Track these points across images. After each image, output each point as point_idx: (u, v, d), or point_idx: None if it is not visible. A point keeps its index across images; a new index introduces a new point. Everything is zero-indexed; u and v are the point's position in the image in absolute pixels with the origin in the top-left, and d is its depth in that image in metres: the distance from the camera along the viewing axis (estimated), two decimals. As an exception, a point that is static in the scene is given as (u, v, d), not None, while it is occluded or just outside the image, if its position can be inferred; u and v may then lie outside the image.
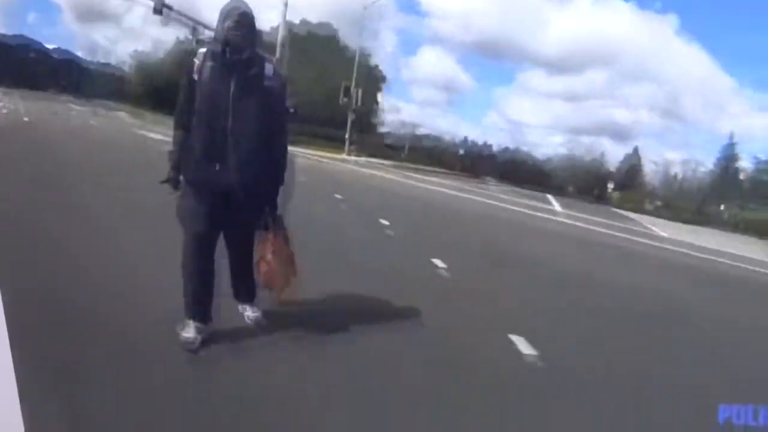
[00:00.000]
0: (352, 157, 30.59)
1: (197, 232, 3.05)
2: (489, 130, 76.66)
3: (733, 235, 22.66)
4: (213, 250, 3.14)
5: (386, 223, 8.34)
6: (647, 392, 3.35)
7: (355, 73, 33.45)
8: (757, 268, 11.16)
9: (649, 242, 13.05)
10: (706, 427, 2.90)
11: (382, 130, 51.55)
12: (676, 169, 46.32)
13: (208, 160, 2.98)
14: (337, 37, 49.23)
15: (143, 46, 59.18)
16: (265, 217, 3.19)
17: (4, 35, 55.61)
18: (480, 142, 53.12)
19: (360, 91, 32.60)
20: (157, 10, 23.82)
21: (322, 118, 37.96)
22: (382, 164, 29.73)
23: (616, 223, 16.99)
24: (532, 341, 3.69)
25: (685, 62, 56.39)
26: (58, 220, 5.31)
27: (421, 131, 51.24)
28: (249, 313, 3.37)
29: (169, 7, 27.00)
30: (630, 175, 47.31)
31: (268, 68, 3.08)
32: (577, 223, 14.90)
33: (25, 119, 16.66)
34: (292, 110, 32.63)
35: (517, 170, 43.61)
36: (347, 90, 32.05)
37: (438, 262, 5.91)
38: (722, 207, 36.77)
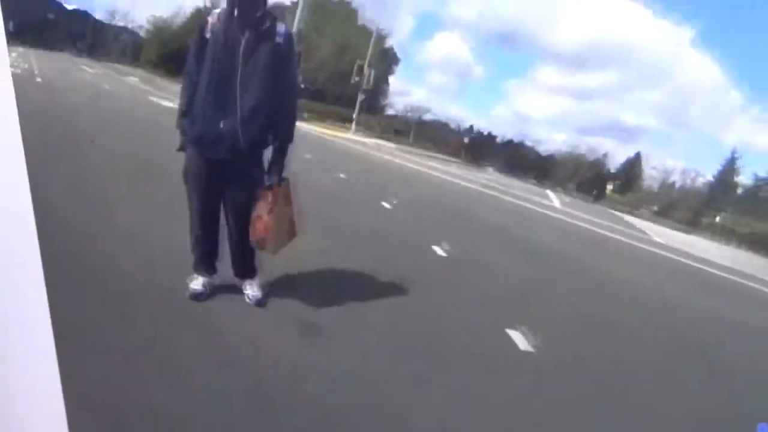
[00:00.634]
0: (359, 137, 30.81)
1: (201, 193, 3.14)
2: (495, 121, 76.39)
3: (724, 246, 23.31)
4: (218, 210, 3.21)
5: (388, 206, 8.65)
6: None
7: (370, 53, 33.48)
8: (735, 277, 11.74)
9: (645, 247, 13.50)
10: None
11: (390, 112, 51.75)
12: (675, 177, 46.75)
13: (213, 117, 3.00)
14: (356, 15, 49.06)
15: (162, 11, 58.55)
16: (271, 175, 3.15)
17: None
18: (485, 132, 53.35)
19: (372, 72, 32.69)
20: None
21: (332, 95, 38.11)
22: (388, 146, 29.94)
23: (611, 224, 17.40)
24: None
25: (697, 73, 56.57)
26: (71, 190, 5.10)
27: (428, 116, 51.36)
28: (249, 292, 3.34)
29: None
30: (630, 178, 47.73)
31: (280, 27, 3.08)
32: (575, 221, 15.30)
33: (38, 80, 16.73)
34: (303, 86, 32.99)
35: (519, 163, 43.92)
36: (360, 69, 32.07)
37: (437, 249, 6.14)
38: (717, 218, 37.29)
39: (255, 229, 3.13)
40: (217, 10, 3.12)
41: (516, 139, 53.09)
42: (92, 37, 57.78)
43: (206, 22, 3.08)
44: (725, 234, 31.04)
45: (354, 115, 33.40)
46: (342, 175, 11.54)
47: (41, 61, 26.55)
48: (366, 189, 10.61)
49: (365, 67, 32.39)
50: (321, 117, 32.06)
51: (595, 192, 41.58)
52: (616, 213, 26.81)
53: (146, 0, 67.32)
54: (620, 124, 66.50)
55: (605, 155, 49.51)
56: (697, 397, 3.73)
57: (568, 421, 2.89)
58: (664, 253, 12.93)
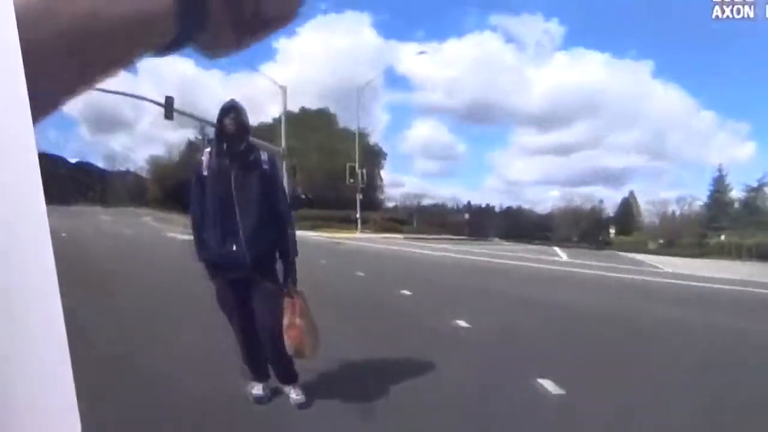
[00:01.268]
0: (365, 235, 31.82)
1: (235, 317, 3.56)
2: (489, 193, 78.59)
3: (734, 262, 23.81)
4: (254, 324, 3.54)
5: (408, 293, 9.14)
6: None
7: (358, 153, 35.14)
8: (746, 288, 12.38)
9: (655, 279, 14.12)
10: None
11: (389, 204, 53.41)
12: (673, 207, 47.55)
13: (223, 244, 3.36)
14: (335, 121, 51.75)
15: (157, 150, 61.57)
16: (287, 286, 3.44)
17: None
18: (482, 205, 54.85)
19: (364, 171, 34.17)
20: (168, 115, 24.80)
21: (329, 200, 39.48)
22: (395, 238, 30.86)
23: (622, 266, 17.96)
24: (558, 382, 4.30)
25: (666, 103, 58.56)
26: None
27: (425, 201, 53.00)
28: (294, 396, 3.63)
29: (180, 111, 28.40)
30: (629, 218, 48.53)
31: (263, 156, 3.49)
32: (585, 271, 15.86)
33: (63, 235, 17.73)
34: (304, 197, 34.39)
35: (521, 228, 45.00)
36: (352, 171, 33.56)
37: (461, 322, 6.63)
38: (722, 237, 37.59)
39: (290, 337, 3.37)
40: (208, 149, 3.57)
41: (513, 205, 54.71)
42: (99, 186, 60.02)
43: (201, 162, 3.51)
44: (734, 250, 31.37)
45: (357, 215, 34.43)
46: (360, 273, 12.08)
47: (61, 218, 27.78)
48: (385, 282, 11.13)
49: (356, 167, 33.97)
50: (326, 223, 33.24)
51: (599, 238, 42.16)
52: (625, 254, 27.19)
53: (140, 141, 70.34)
54: (607, 169, 68.14)
55: (601, 201, 50.92)
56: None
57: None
58: (677, 281, 13.49)
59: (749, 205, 42.66)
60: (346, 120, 50.49)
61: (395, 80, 72.08)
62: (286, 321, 3.38)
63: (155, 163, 57.49)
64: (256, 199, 3.39)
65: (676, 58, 67.79)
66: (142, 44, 0.43)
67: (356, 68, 55.76)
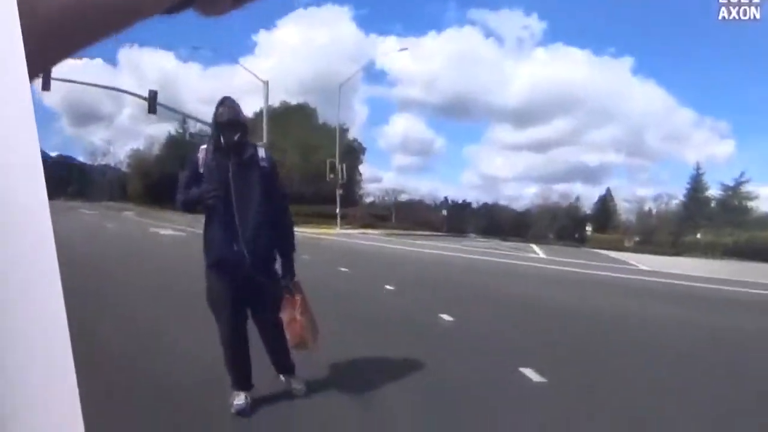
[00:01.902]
0: (345, 230, 31.93)
1: (227, 316, 3.43)
2: (466, 188, 78.91)
3: (709, 260, 24.42)
4: (244, 327, 3.52)
5: (392, 288, 9.30)
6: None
7: (338, 149, 35.25)
8: (720, 286, 12.77)
9: (631, 276, 14.46)
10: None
11: (367, 200, 53.56)
12: (650, 205, 48.42)
13: (226, 242, 3.32)
14: (315, 116, 51.64)
15: (137, 144, 60.85)
16: (286, 282, 3.46)
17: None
18: (459, 201, 55.22)
19: (344, 166, 34.24)
20: (152, 110, 24.46)
21: (309, 195, 39.47)
22: (375, 234, 31.07)
23: (599, 263, 18.27)
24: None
25: (644, 100, 59.07)
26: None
27: (403, 197, 53.18)
28: (295, 385, 3.69)
29: (163, 105, 27.98)
30: (606, 215, 49.30)
31: (261, 152, 3.46)
32: (562, 268, 16.16)
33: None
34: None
35: (498, 224, 45.45)
36: (332, 166, 33.57)
37: (446, 317, 6.80)
38: (698, 235, 38.43)
39: (293, 332, 3.42)
40: (204, 146, 3.50)
41: (490, 201, 55.14)
42: (80, 181, 59.08)
43: (197, 158, 3.44)
44: (709, 248, 32.12)
45: (337, 211, 34.51)
46: (343, 269, 12.21)
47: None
48: (368, 277, 11.27)
49: (336, 163, 34.00)
50: (306, 218, 33.25)
51: (576, 236, 42.80)
52: (601, 252, 27.67)
53: (120, 135, 69.40)
54: (584, 166, 68.73)
55: (578, 199, 51.52)
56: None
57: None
58: (652, 279, 13.87)
59: (726, 203, 43.45)
60: (325, 114, 50.64)
61: (374, 75, 72.11)
62: (286, 317, 3.42)
63: (136, 157, 56.82)
64: (254, 197, 3.36)
65: (654, 56, 68.73)
66: (145, 5, 0.44)
67: (335, 62, 55.66)
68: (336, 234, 28.53)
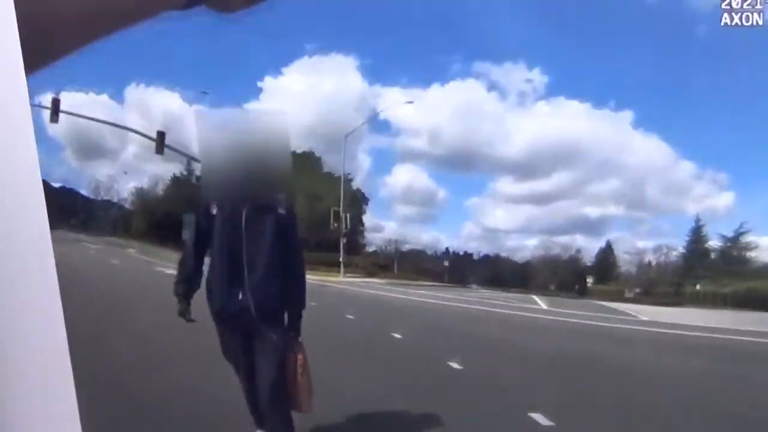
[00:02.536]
0: (349, 279, 32.09)
1: (236, 363, 3.34)
2: (468, 239, 79.08)
3: (709, 311, 24.59)
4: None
5: (399, 336, 9.42)
6: None
7: (342, 198, 35.75)
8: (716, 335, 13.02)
9: (632, 327, 14.69)
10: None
11: (370, 249, 53.81)
12: (650, 257, 48.57)
13: (231, 291, 3.07)
14: (320, 163, 52.24)
15: (141, 182, 61.12)
16: (291, 340, 3.22)
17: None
18: (461, 252, 55.50)
19: (348, 215, 34.66)
20: (159, 150, 24.24)
21: (312, 242, 39.78)
22: (378, 283, 31.18)
23: (600, 314, 18.44)
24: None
25: (645, 154, 59.54)
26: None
27: (405, 247, 53.49)
28: None
29: (170, 147, 27.99)
30: (606, 267, 49.45)
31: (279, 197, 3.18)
32: (565, 319, 16.31)
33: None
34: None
35: (499, 276, 45.59)
36: (336, 215, 34.06)
37: (454, 365, 6.94)
38: (698, 286, 38.51)
39: (294, 394, 3.22)
40: None
41: (491, 253, 55.38)
42: (84, 213, 59.09)
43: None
44: (709, 299, 32.22)
45: (341, 259, 34.66)
46: (349, 316, 12.45)
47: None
48: (374, 325, 11.45)
49: (341, 211, 34.44)
50: (310, 265, 33.40)
51: (577, 287, 42.89)
52: (602, 303, 27.65)
53: (124, 172, 69.87)
54: (585, 219, 68.95)
55: (578, 251, 51.70)
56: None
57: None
58: (653, 329, 14.10)
59: (725, 254, 43.58)
60: (329, 163, 51.20)
61: (378, 125, 73.36)
62: (289, 375, 3.24)
63: (140, 195, 57.22)
64: (267, 244, 3.11)
65: (654, 109, 69.84)
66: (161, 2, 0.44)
67: (340, 111, 56.32)
68: (339, 282, 28.71)
